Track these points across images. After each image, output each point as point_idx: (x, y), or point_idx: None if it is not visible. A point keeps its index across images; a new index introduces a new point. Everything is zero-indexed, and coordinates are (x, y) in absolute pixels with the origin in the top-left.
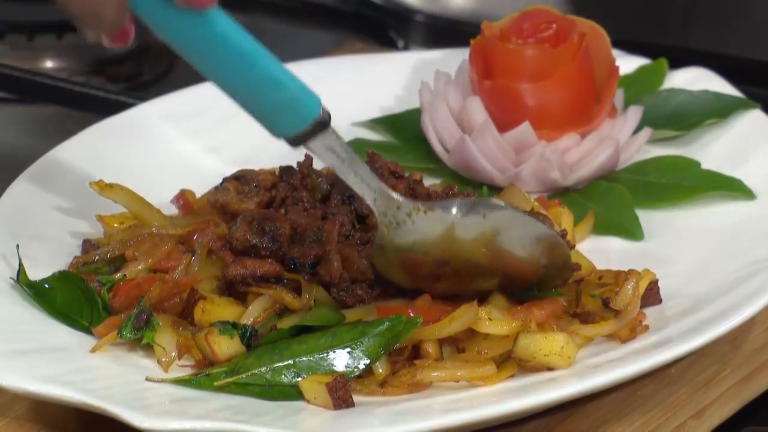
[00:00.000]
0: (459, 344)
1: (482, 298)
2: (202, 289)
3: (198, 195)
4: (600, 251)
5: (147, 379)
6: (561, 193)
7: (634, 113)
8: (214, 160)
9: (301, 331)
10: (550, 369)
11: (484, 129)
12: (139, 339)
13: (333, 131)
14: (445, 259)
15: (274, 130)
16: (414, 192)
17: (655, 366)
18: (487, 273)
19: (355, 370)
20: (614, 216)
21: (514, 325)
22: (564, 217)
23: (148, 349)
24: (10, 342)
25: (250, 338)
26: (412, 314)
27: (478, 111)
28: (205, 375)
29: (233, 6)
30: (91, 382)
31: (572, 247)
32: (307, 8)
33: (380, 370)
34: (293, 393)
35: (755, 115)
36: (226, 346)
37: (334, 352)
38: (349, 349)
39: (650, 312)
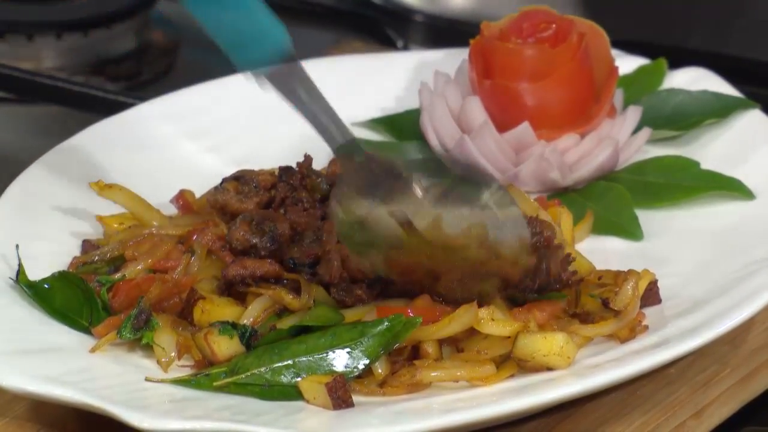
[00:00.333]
0: (458, 344)
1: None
2: (202, 289)
3: (197, 195)
4: (599, 251)
5: (146, 379)
6: (560, 193)
7: (634, 113)
8: (214, 160)
9: (301, 331)
10: (549, 369)
11: (484, 129)
12: (139, 339)
13: (301, 67)
14: (399, 244)
15: (242, 61)
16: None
17: (655, 366)
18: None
19: (355, 370)
20: (613, 216)
21: (515, 325)
22: (563, 217)
23: (148, 349)
24: (9, 342)
25: (250, 338)
26: (411, 314)
27: (477, 111)
28: (205, 375)
29: None
30: (90, 382)
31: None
32: (306, 7)
33: (380, 370)
34: (293, 393)
35: (755, 115)
36: (225, 346)
37: (334, 352)
38: (348, 349)
39: (650, 312)
